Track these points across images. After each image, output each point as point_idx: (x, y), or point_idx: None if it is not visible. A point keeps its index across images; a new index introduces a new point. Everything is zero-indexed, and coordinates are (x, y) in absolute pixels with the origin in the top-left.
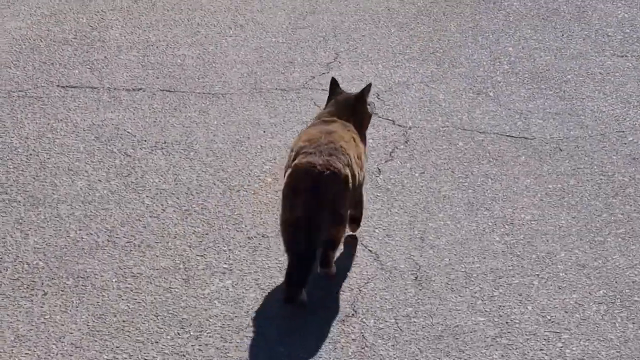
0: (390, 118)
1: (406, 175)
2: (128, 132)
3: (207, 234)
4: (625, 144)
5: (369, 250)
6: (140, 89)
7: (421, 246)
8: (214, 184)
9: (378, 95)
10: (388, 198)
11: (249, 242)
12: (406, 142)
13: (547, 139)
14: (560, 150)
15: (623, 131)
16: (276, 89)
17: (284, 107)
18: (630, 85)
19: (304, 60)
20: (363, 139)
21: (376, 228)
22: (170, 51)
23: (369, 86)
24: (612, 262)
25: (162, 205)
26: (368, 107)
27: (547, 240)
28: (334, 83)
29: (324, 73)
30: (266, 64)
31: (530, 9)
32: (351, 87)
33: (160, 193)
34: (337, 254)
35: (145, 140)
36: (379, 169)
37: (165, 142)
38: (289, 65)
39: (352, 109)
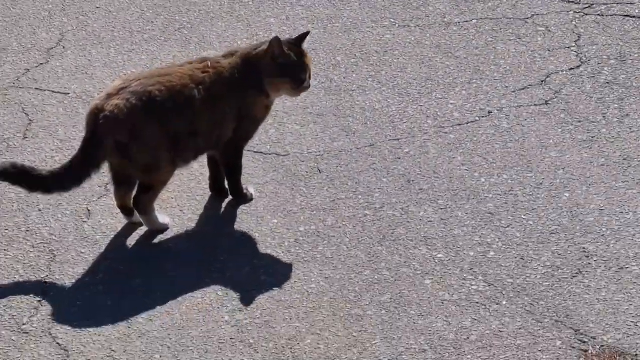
0: None
1: (122, 218)
2: None
3: None
4: (399, 158)
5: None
6: None
7: None
8: None
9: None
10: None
11: None
12: None
13: (304, 154)
14: (320, 171)
15: (398, 139)
16: None
17: None
18: (411, 67)
19: (21, 45)
20: (241, 84)
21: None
22: None
23: (306, 34)
24: (370, 352)
25: None
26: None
27: (290, 318)
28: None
29: (41, 64)
30: None
31: None
32: (72, 83)
33: None
34: None
35: None
36: (88, 210)
37: None
38: (1, 54)
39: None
